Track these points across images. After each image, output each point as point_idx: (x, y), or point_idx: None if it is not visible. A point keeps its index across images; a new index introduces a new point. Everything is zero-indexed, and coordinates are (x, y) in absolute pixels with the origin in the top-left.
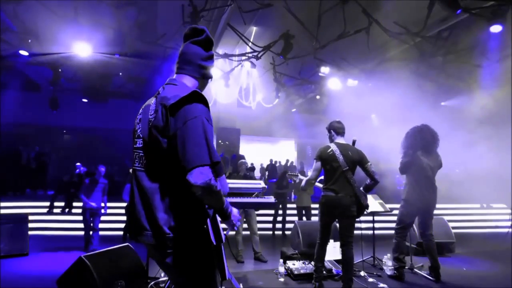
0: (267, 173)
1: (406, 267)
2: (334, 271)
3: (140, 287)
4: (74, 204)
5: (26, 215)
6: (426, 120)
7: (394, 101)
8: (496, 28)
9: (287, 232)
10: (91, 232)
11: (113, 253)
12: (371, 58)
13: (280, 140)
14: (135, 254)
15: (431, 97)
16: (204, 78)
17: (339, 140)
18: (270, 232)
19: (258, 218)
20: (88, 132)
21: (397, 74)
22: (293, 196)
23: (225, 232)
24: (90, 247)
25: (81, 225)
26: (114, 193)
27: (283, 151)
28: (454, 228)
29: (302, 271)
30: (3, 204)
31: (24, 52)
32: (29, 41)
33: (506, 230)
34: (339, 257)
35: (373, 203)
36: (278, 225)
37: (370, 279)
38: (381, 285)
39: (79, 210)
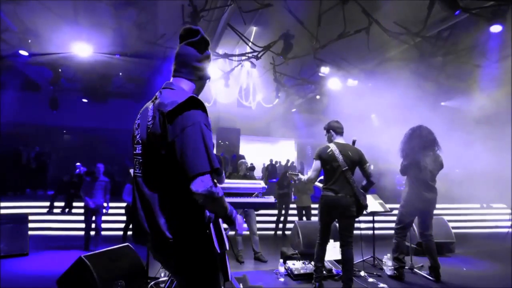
0: (267, 173)
1: (406, 267)
2: (334, 271)
3: (140, 287)
4: (75, 204)
5: (26, 215)
6: (426, 120)
7: (394, 101)
8: (496, 28)
9: (287, 232)
10: (92, 233)
11: (113, 253)
12: (371, 58)
13: (280, 140)
14: (135, 254)
15: (431, 97)
16: (201, 79)
17: (338, 139)
18: (270, 232)
19: (258, 218)
20: (88, 132)
21: (397, 74)
22: (293, 196)
23: (226, 231)
24: (91, 247)
25: (82, 225)
26: (114, 193)
27: (283, 151)
28: (454, 228)
29: (302, 271)
30: (3, 204)
31: (24, 52)
32: (29, 41)
33: (506, 230)
34: (339, 257)
35: (373, 203)
36: (279, 225)
37: (370, 279)
38: (381, 285)
39: (80, 210)
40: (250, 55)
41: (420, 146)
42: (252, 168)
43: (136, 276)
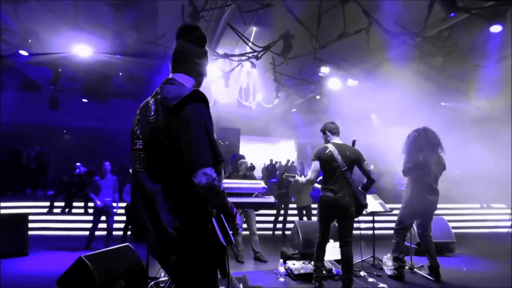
0: (267, 173)
1: (406, 267)
2: (334, 271)
3: (140, 287)
4: (75, 204)
5: (26, 215)
6: (426, 120)
7: (394, 101)
8: (496, 28)
9: (287, 232)
10: (103, 233)
11: (113, 253)
12: (371, 58)
13: (280, 140)
14: (135, 254)
15: (431, 97)
16: (199, 75)
17: (335, 140)
18: (270, 232)
19: (258, 218)
20: (88, 132)
21: (397, 74)
22: (292, 197)
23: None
24: (100, 247)
25: (82, 225)
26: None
27: (283, 151)
28: (454, 228)
29: (302, 271)
30: (3, 204)
31: (24, 52)
32: (29, 41)
33: (506, 230)
34: (339, 257)
35: (373, 203)
36: (279, 225)
37: (370, 279)
38: (381, 285)
39: (79, 210)
40: (250, 55)
41: (426, 149)
42: (252, 168)
43: (136, 276)
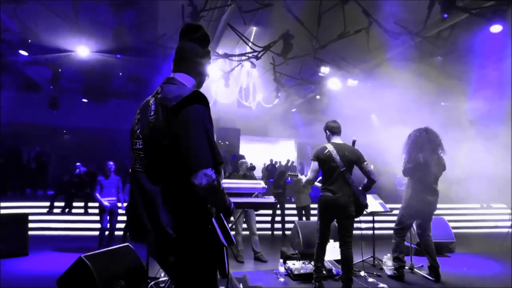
0: (267, 173)
1: (406, 267)
2: (334, 271)
3: (140, 287)
4: (75, 204)
5: (26, 215)
6: (426, 120)
7: (394, 101)
8: (496, 28)
9: (287, 232)
10: (106, 233)
11: (113, 253)
12: (371, 58)
13: (280, 140)
14: (135, 254)
15: (431, 97)
16: (201, 75)
17: (335, 139)
18: (270, 232)
19: (258, 218)
20: (88, 132)
21: (397, 74)
22: (292, 198)
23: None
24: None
25: (82, 225)
26: None
27: (283, 151)
28: (454, 228)
29: (302, 271)
30: (3, 204)
31: (24, 52)
32: (29, 41)
33: (506, 230)
34: (339, 257)
35: (373, 203)
36: (277, 225)
37: (370, 279)
38: (381, 285)
39: (80, 210)
40: (250, 55)
41: (427, 149)
42: (252, 168)
43: (136, 276)
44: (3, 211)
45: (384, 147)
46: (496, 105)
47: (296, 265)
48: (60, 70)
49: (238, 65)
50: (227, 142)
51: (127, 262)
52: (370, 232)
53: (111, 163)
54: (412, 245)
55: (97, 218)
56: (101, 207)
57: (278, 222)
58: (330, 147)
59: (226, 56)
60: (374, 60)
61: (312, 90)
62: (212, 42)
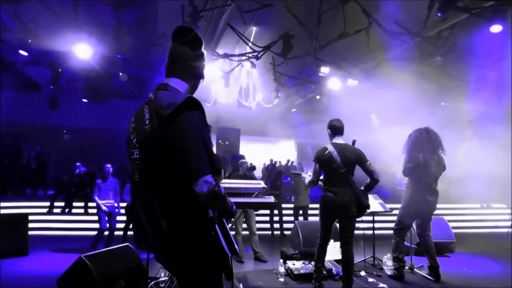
0: (267, 173)
1: (406, 267)
2: (334, 271)
3: (140, 287)
4: (75, 204)
5: (26, 215)
6: (426, 120)
7: (394, 101)
8: (496, 28)
9: (286, 232)
10: (106, 232)
11: (113, 253)
12: (371, 58)
13: (280, 140)
14: (135, 254)
15: (431, 97)
16: (195, 78)
17: (337, 140)
18: (269, 232)
19: (257, 218)
20: (88, 132)
21: (397, 74)
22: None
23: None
24: (98, 247)
25: (82, 225)
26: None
27: (283, 151)
28: (454, 228)
29: (302, 271)
30: (3, 204)
31: (24, 52)
32: (29, 41)
33: (506, 230)
34: (339, 257)
35: (373, 203)
36: (275, 225)
37: (370, 279)
38: (381, 285)
39: (80, 210)
40: (250, 55)
41: (427, 150)
42: (253, 168)
43: (136, 276)
44: (3, 211)
45: (384, 147)
46: (496, 105)
47: (296, 265)
48: (60, 70)
49: (238, 65)
50: (227, 142)
51: (127, 262)
52: (370, 232)
53: (108, 165)
54: (412, 245)
55: (94, 218)
56: (98, 211)
57: (275, 222)
58: (330, 148)
59: (226, 56)
60: (374, 60)
61: (312, 90)
62: (212, 42)
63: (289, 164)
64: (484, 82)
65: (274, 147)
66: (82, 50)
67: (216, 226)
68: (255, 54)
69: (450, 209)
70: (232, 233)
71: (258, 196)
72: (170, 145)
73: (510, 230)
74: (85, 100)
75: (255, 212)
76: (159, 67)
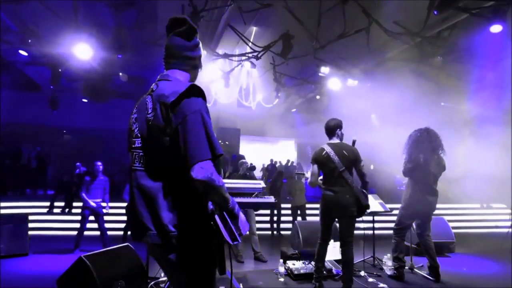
0: (267, 173)
1: (406, 267)
2: (334, 271)
3: (140, 287)
4: (75, 204)
5: (26, 215)
6: (426, 120)
7: (394, 101)
8: (496, 28)
9: (283, 232)
10: (97, 233)
11: (113, 253)
12: (371, 58)
13: (280, 140)
14: (135, 254)
15: (431, 97)
16: (194, 68)
17: (333, 140)
18: (269, 232)
19: (257, 218)
20: (88, 132)
21: (397, 74)
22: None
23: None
24: (80, 248)
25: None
26: (114, 193)
27: (283, 151)
28: (454, 228)
29: (302, 271)
30: (3, 204)
31: (24, 52)
32: (29, 41)
33: (506, 230)
34: (339, 257)
35: (373, 203)
36: (274, 225)
37: (370, 279)
38: (381, 285)
39: (80, 210)
40: (250, 55)
41: (428, 150)
42: (253, 168)
43: (136, 276)
44: (3, 211)
45: (384, 147)
46: (496, 105)
47: (296, 265)
48: (60, 70)
49: (238, 65)
50: (227, 142)
51: (127, 262)
52: (370, 232)
53: (99, 163)
54: (412, 245)
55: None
56: (83, 210)
57: (275, 222)
58: (327, 149)
59: (226, 56)
60: (374, 60)
61: (312, 90)
62: (212, 42)
63: (289, 164)
64: (484, 83)
65: (274, 147)
66: (82, 50)
67: (216, 216)
68: (255, 54)
69: (450, 209)
70: (240, 235)
71: (258, 196)
72: (173, 132)
73: (510, 230)
74: (85, 100)
75: (255, 212)
76: (159, 67)
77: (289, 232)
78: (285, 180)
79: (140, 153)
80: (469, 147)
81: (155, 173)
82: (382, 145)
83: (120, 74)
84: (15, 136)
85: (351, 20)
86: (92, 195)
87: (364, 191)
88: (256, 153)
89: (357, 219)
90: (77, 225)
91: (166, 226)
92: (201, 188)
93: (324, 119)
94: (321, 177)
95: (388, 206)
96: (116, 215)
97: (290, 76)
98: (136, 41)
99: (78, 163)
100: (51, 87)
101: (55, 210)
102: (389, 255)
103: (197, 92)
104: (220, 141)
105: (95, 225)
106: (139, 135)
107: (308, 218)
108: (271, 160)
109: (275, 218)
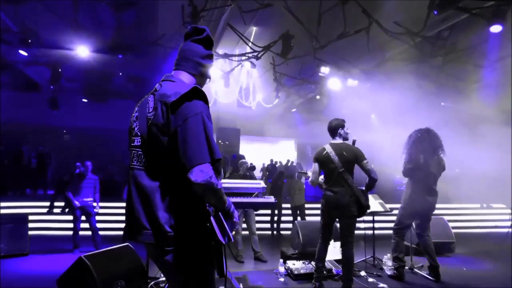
0: (267, 173)
1: (406, 267)
2: (334, 271)
3: (140, 287)
4: None
5: (26, 215)
6: (426, 120)
7: (394, 101)
8: (496, 28)
9: (283, 232)
10: (88, 233)
11: (113, 253)
12: (371, 58)
13: (280, 140)
14: (135, 254)
15: (431, 97)
16: (202, 76)
17: (335, 140)
18: (269, 232)
19: (257, 218)
20: (88, 132)
21: (397, 74)
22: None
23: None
24: (79, 249)
25: (82, 225)
26: (114, 193)
27: (283, 151)
28: (454, 228)
29: (302, 271)
30: (3, 204)
31: (24, 52)
32: (29, 41)
33: (506, 230)
34: (339, 257)
35: (373, 203)
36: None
37: (370, 279)
38: (381, 285)
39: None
40: (250, 55)
41: (428, 150)
42: (253, 168)
43: (136, 276)
44: (3, 211)
45: (384, 147)
46: (496, 105)
47: (296, 265)
48: (60, 70)
49: (238, 65)
50: (227, 142)
51: (127, 262)
52: (370, 232)
53: (88, 162)
54: (412, 245)
55: (97, 218)
56: (74, 210)
57: (275, 222)
58: (328, 148)
59: (226, 56)
60: (374, 60)
61: (312, 90)
62: None
63: (289, 164)
64: (484, 82)
65: (274, 147)
66: (82, 50)
67: (212, 217)
68: (255, 54)
69: (450, 209)
70: (232, 233)
71: (258, 196)
72: (172, 133)
73: (510, 230)
74: (85, 100)
75: (255, 212)
76: (159, 67)
77: (289, 232)
78: (286, 180)
79: (139, 152)
80: (469, 147)
81: (153, 173)
82: (382, 145)
83: (120, 74)
84: (15, 136)
85: (351, 20)
86: (82, 194)
87: (366, 190)
88: (256, 153)
89: (357, 219)
90: None
91: (163, 226)
92: (200, 190)
93: (324, 119)
94: (321, 177)
95: (388, 206)
96: (115, 215)
97: (290, 76)
98: (136, 41)
99: (78, 163)
100: (51, 87)
101: (55, 210)
102: (389, 255)
103: (199, 95)
104: (220, 141)
105: (101, 225)
106: (139, 134)
107: (308, 218)
108: (271, 160)
109: (275, 218)
